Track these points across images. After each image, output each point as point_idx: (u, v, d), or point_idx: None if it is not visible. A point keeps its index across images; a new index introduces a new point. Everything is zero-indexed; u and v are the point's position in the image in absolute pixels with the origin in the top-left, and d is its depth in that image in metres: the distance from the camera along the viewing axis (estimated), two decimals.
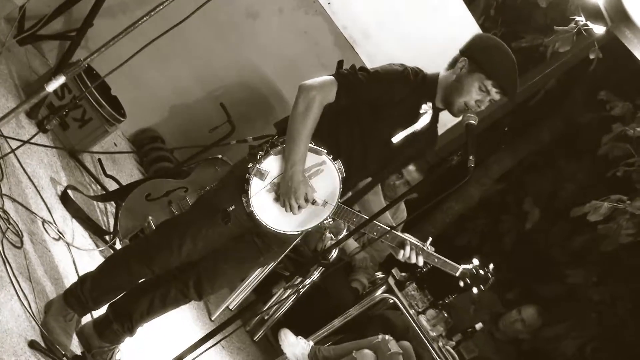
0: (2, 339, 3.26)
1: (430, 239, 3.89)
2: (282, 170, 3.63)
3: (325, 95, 3.63)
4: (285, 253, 5.13)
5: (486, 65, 3.70)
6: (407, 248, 3.82)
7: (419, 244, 3.84)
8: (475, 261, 3.99)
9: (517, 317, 7.11)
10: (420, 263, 3.84)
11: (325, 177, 3.69)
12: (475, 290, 3.99)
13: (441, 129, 4.05)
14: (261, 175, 3.65)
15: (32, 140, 4.48)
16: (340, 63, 3.82)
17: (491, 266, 4.00)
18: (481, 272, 3.96)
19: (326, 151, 3.66)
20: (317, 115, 3.61)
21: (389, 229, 3.79)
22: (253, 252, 3.89)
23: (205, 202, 3.95)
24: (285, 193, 3.62)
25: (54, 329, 3.63)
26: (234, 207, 3.67)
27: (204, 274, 3.86)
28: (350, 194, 3.96)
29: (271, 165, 3.65)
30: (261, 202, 3.66)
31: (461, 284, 4.00)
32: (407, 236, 3.86)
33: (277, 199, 3.66)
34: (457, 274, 3.95)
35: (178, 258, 3.76)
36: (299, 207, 3.64)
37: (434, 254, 3.88)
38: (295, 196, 3.60)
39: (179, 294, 3.89)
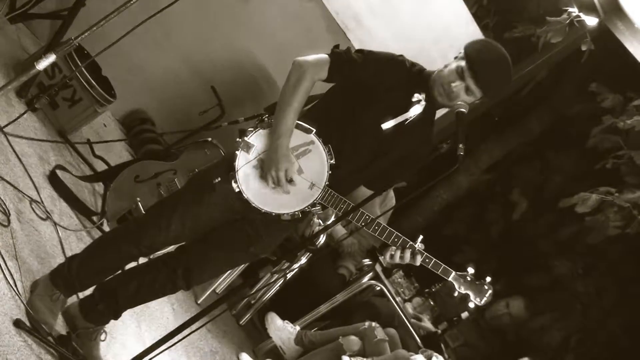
0: None
1: (422, 236, 3.69)
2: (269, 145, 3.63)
3: (317, 70, 3.65)
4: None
5: (468, 50, 3.68)
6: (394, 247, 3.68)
7: (408, 242, 3.66)
8: (471, 270, 3.69)
9: (504, 309, 7.11)
10: (407, 260, 3.66)
11: (313, 157, 3.64)
12: (471, 305, 3.72)
13: None
14: (248, 149, 3.64)
15: (20, 122, 4.45)
16: (336, 46, 3.81)
17: (488, 279, 3.69)
18: (476, 283, 3.67)
19: (315, 130, 3.63)
20: (307, 90, 3.62)
21: (375, 218, 3.65)
22: (243, 242, 3.85)
23: (194, 182, 3.95)
24: (268, 165, 3.60)
25: (39, 308, 3.61)
26: (219, 179, 3.67)
27: (194, 262, 3.82)
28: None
29: (259, 140, 3.66)
30: (247, 178, 3.65)
31: (455, 294, 3.71)
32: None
33: (264, 175, 3.64)
34: (449, 279, 3.67)
35: (166, 237, 3.76)
36: (280, 181, 3.59)
37: (425, 252, 3.66)
38: (277, 168, 3.57)
39: (168, 281, 3.84)
